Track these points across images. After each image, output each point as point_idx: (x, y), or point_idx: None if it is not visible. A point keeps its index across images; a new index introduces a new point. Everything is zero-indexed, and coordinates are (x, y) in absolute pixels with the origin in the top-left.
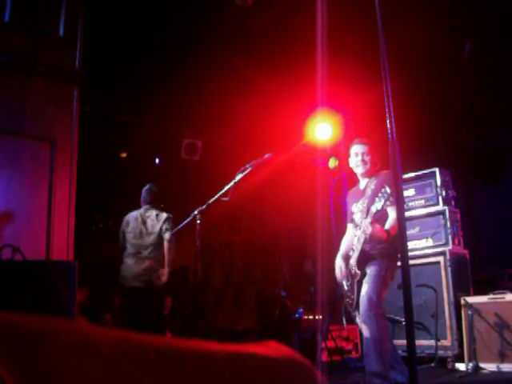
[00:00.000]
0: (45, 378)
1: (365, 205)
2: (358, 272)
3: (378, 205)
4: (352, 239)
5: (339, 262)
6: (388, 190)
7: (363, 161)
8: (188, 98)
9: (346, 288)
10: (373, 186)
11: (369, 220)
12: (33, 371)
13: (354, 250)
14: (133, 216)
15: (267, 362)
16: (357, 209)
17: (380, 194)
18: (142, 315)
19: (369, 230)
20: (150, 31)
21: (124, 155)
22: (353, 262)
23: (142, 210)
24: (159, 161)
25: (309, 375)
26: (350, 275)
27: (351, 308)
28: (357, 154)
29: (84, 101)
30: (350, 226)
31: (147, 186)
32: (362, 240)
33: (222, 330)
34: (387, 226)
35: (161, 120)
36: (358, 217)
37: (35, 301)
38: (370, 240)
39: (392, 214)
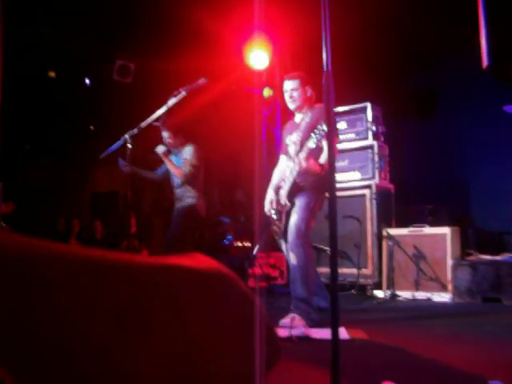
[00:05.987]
0: None
1: (299, 138)
2: (288, 204)
3: (313, 141)
4: (284, 171)
5: (270, 195)
6: (325, 127)
7: (291, 97)
8: (121, 18)
9: (274, 216)
10: (307, 119)
11: (303, 155)
12: None
13: (285, 182)
14: None
15: (194, 274)
16: (291, 141)
17: (316, 131)
18: None
19: (303, 164)
20: None
21: (53, 75)
22: (283, 192)
23: None
24: (90, 82)
25: (234, 285)
26: (279, 205)
27: (278, 235)
28: (286, 91)
29: (9, 17)
30: (283, 158)
31: None
32: (294, 172)
33: (153, 254)
34: (322, 159)
35: (92, 39)
36: (291, 149)
37: None
38: (304, 173)
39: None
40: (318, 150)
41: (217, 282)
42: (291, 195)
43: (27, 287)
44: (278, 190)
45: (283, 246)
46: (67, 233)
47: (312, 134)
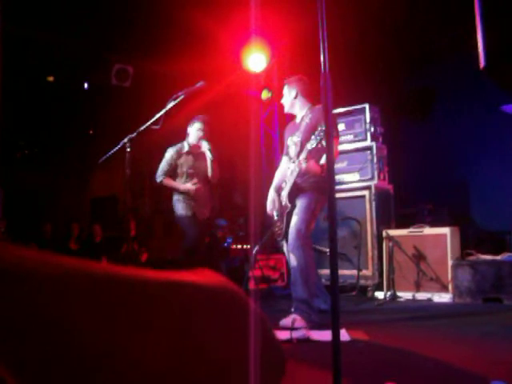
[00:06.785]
0: None
1: (299, 138)
2: (289, 204)
3: (313, 142)
4: (286, 171)
5: (272, 195)
6: (322, 129)
7: (284, 102)
8: (120, 22)
9: (275, 217)
10: (307, 120)
11: (304, 156)
12: None
13: (286, 182)
14: None
15: (201, 290)
16: (292, 142)
17: (316, 133)
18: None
19: (303, 165)
20: None
21: (51, 79)
22: (284, 193)
23: None
24: (88, 86)
25: (241, 303)
26: (280, 206)
27: (279, 237)
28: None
29: (8, 19)
30: (284, 159)
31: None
32: (295, 173)
33: (152, 259)
34: (323, 160)
35: (90, 43)
36: (292, 150)
37: None
38: (304, 174)
39: None
40: (318, 151)
41: (224, 300)
42: (292, 196)
43: (28, 299)
44: (279, 190)
45: (285, 248)
46: (66, 236)
47: (312, 136)
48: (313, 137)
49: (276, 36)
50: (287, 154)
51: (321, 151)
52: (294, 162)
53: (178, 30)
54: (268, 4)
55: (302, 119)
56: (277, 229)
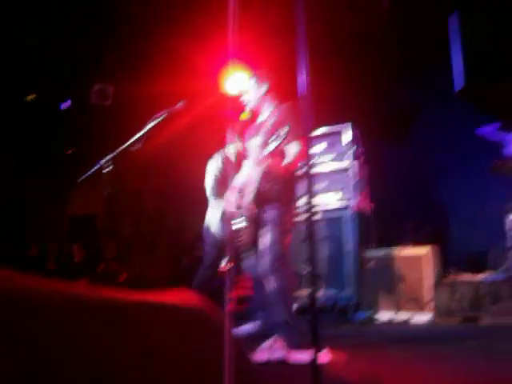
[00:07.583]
0: None
1: (263, 141)
2: (255, 211)
3: (272, 146)
4: (247, 176)
5: (229, 195)
6: (285, 131)
7: (249, 98)
8: (100, 41)
9: (236, 227)
10: (272, 121)
11: (265, 153)
12: None
13: (248, 190)
14: None
15: (175, 312)
16: (254, 145)
17: (275, 136)
18: None
19: (266, 162)
20: None
21: (31, 98)
22: (248, 200)
23: None
24: (68, 105)
25: (215, 325)
26: (243, 209)
27: (246, 247)
28: None
29: None
30: (245, 163)
31: None
32: (257, 179)
33: (130, 279)
34: (286, 161)
35: (70, 62)
36: (254, 154)
37: None
38: (267, 178)
39: (291, 149)
40: (279, 154)
41: (197, 321)
42: (257, 206)
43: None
44: (241, 191)
45: (247, 259)
46: (44, 257)
47: (270, 140)
48: (271, 140)
49: (255, 58)
50: (248, 157)
51: (282, 154)
52: (256, 168)
53: (159, 50)
54: (247, 26)
55: (266, 120)
56: (243, 239)
